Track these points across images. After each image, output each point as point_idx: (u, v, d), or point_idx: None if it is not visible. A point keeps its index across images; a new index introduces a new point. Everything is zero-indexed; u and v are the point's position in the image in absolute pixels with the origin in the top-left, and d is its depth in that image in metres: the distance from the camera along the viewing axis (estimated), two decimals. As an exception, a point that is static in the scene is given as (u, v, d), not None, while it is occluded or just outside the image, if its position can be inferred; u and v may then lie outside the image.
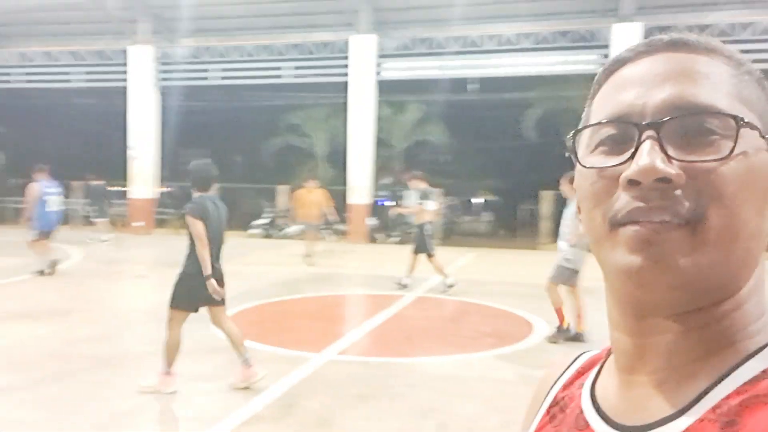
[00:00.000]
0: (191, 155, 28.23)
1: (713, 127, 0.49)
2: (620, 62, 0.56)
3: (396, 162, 22.07)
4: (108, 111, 21.44)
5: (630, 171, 0.49)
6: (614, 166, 0.51)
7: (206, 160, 5.32)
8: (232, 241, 16.35)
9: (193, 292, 4.87)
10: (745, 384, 0.49)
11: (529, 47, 15.78)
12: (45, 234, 10.04)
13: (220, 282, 4.95)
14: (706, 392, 0.50)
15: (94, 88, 18.76)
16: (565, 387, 0.63)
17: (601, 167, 0.52)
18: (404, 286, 9.35)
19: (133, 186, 17.32)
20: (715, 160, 0.48)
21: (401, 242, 15.09)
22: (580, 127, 0.56)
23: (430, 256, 9.29)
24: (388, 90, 17.56)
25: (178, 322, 4.88)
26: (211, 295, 4.86)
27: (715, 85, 0.51)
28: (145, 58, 17.11)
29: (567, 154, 0.56)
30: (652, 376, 0.53)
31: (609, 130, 0.53)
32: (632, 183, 0.49)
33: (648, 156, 0.48)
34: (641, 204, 0.49)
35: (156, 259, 13.17)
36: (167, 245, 15.15)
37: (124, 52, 17.32)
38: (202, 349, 6.12)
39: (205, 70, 17.21)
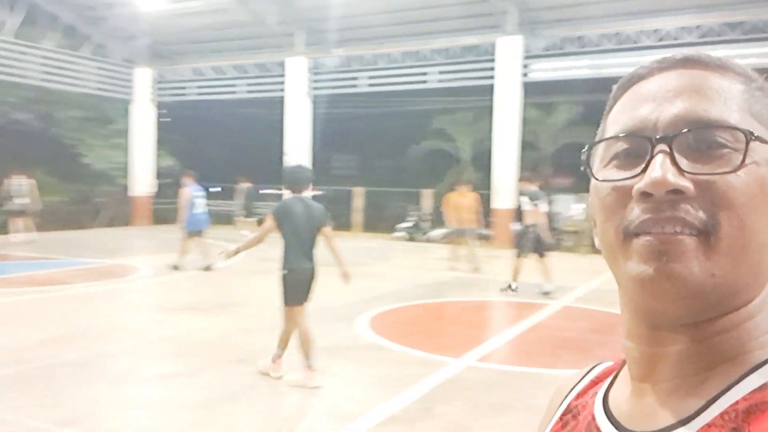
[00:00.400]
0: (340, 160, 29.51)
1: (724, 140, 0.51)
2: (634, 79, 0.58)
3: (544, 165, 21.44)
4: (267, 119, 22.99)
5: (642, 183, 0.50)
6: (627, 179, 0.52)
7: (299, 163, 5.57)
8: (377, 243, 16.85)
9: (297, 285, 5.13)
10: (753, 391, 0.49)
11: (693, 41, 14.61)
12: (194, 233, 10.99)
13: (310, 281, 5.18)
14: (714, 399, 0.51)
15: (256, 99, 20.20)
16: (579, 396, 0.65)
17: (615, 180, 0.53)
18: (548, 293, 9.06)
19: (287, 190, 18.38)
20: (725, 173, 0.50)
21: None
22: (594, 141, 0.58)
23: (519, 255, 9.20)
24: (535, 92, 17.12)
25: (301, 317, 5.13)
26: (310, 288, 5.16)
27: (726, 100, 0.53)
28: (300, 69, 18.13)
29: (582, 168, 0.58)
30: (663, 384, 0.54)
31: (622, 145, 0.54)
32: (645, 195, 0.50)
33: (660, 169, 0.50)
34: (654, 215, 0.50)
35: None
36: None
37: (282, 63, 18.47)
38: (342, 347, 6.34)
39: (354, 78, 17.86)
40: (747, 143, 0.50)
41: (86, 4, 18.29)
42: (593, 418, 0.59)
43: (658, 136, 0.51)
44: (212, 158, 23.74)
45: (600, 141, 0.57)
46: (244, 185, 16.36)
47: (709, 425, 0.49)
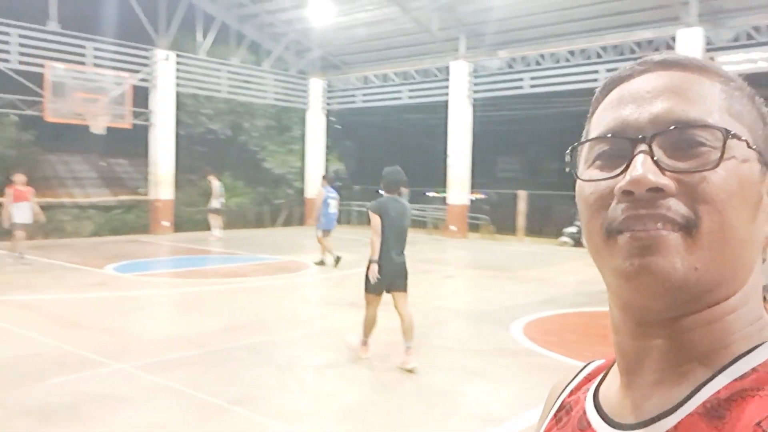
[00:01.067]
0: (503, 163, 29.04)
1: (703, 139, 0.52)
2: (616, 81, 0.59)
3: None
4: (429, 123, 23.38)
5: (624, 182, 0.52)
6: (610, 178, 0.54)
7: (396, 167, 5.95)
8: (542, 248, 16.41)
9: (382, 276, 5.60)
10: (734, 380, 0.51)
11: None
12: (327, 232, 11.89)
13: (401, 272, 5.68)
14: (698, 389, 0.52)
15: (419, 104, 20.65)
16: (572, 392, 0.66)
17: (598, 180, 0.55)
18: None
19: (450, 192, 18.56)
20: (704, 170, 0.51)
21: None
22: (577, 143, 0.60)
23: None
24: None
25: (372, 305, 5.72)
26: (394, 280, 5.63)
27: (705, 100, 0.54)
28: (461, 73, 18.23)
29: (567, 169, 0.59)
30: (650, 377, 0.55)
31: (605, 146, 0.56)
32: (626, 193, 0.52)
33: (641, 167, 0.51)
34: (635, 212, 0.52)
35: (466, 261, 13.92)
36: (478, 248, 15.90)
37: (444, 68, 18.70)
38: (496, 350, 6.31)
39: (519, 80, 17.55)
40: (725, 141, 0.52)
41: (268, 22, 19.93)
42: (584, 413, 0.61)
43: (638, 136, 0.53)
44: (378, 162, 24.64)
45: (583, 142, 0.59)
46: (404, 190, 16.80)
47: (692, 414, 0.51)
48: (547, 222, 20.34)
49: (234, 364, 5.79)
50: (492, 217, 19.69)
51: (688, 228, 0.51)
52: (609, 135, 0.56)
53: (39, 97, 15.20)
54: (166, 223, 17.42)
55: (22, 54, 14.99)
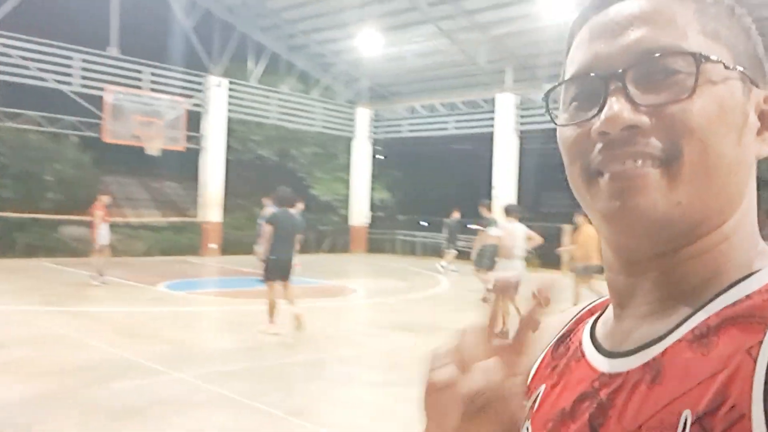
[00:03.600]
0: (550, 197, 28.80)
1: (677, 67, 0.50)
2: (588, 12, 0.57)
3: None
4: (476, 155, 23.39)
5: (598, 123, 0.51)
6: (585, 121, 0.53)
7: (285, 188, 7.79)
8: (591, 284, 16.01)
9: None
10: (725, 307, 0.49)
11: None
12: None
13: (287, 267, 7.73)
14: (688, 318, 0.51)
15: (465, 134, 20.72)
16: (575, 323, 0.65)
17: (574, 123, 0.54)
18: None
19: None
20: (680, 100, 0.49)
21: None
22: (552, 85, 0.58)
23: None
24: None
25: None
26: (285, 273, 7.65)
27: (677, 24, 0.51)
28: (508, 105, 18.27)
29: (544, 113, 0.58)
30: (641, 308, 0.54)
31: (578, 86, 0.54)
32: (602, 134, 0.51)
33: (615, 106, 0.50)
34: (613, 152, 0.51)
35: (521, 294, 13.72)
36: (526, 282, 15.69)
37: (490, 100, 18.78)
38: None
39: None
40: (698, 66, 0.49)
41: (318, 52, 20.41)
42: (580, 344, 0.60)
43: (610, 73, 0.51)
44: (423, 192, 24.71)
45: (556, 86, 0.57)
46: (454, 216, 16.74)
47: (680, 341, 0.49)
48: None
49: (290, 378, 5.84)
50: (536, 250, 19.47)
51: (668, 162, 0.49)
52: (579, 74, 0.54)
53: (98, 119, 15.80)
54: (213, 246, 17.72)
55: (83, 77, 15.66)
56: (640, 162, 0.50)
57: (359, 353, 7.17)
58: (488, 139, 18.93)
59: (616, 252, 0.56)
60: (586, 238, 9.42)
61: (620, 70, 0.51)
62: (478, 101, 19.34)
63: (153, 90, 16.72)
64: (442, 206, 18.34)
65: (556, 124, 0.56)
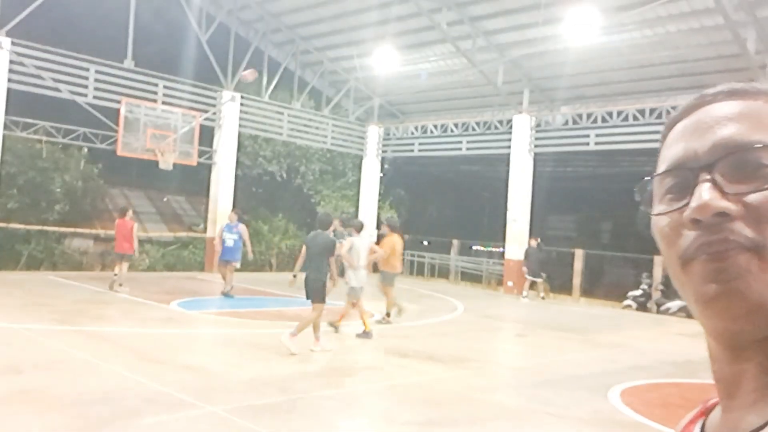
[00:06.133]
0: (559, 220, 28.55)
1: (764, 160, 0.53)
2: (681, 114, 0.61)
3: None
4: (486, 176, 23.20)
5: (689, 211, 0.54)
6: (677, 209, 0.56)
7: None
8: (601, 310, 15.83)
9: None
10: None
11: None
12: (225, 263, 12.55)
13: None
14: None
15: (476, 156, 20.49)
16: (688, 425, 0.65)
17: (666, 212, 0.57)
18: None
19: (508, 247, 18.14)
20: (765, 188, 0.52)
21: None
22: (645, 179, 0.61)
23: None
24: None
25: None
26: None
27: (764, 123, 0.55)
28: (524, 126, 18.07)
29: (639, 205, 0.60)
30: (747, 398, 0.55)
31: (672, 179, 0.58)
32: (694, 222, 0.54)
33: (704, 194, 0.53)
34: (705, 239, 0.53)
35: (531, 319, 13.42)
36: (536, 306, 15.41)
37: (504, 121, 18.60)
38: (598, 420, 5.90)
39: (586, 135, 17.27)
40: None
41: (331, 70, 20.25)
42: None
43: (700, 165, 0.54)
44: (430, 213, 24.47)
45: (650, 179, 0.60)
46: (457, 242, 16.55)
47: None
48: (601, 283, 19.75)
49: (326, 414, 5.50)
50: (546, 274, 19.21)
51: (759, 247, 0.51)
52: (672, 168, 0.58)
53: (111, 131, 15.53)
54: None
55: (97, 89, 15.41)
56: (732, 246, 0.52)
57: (389, 385, 6.82)
58: (498, 160, 18.71)
59: (717, 339, 0.56)
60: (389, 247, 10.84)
61: (710, 162, 0.54)
62: (493, 122, 19.14)
63: (166, 103, 16.47)
64: (450, 227, 18.10)
65: (651, 213, 0.59)
